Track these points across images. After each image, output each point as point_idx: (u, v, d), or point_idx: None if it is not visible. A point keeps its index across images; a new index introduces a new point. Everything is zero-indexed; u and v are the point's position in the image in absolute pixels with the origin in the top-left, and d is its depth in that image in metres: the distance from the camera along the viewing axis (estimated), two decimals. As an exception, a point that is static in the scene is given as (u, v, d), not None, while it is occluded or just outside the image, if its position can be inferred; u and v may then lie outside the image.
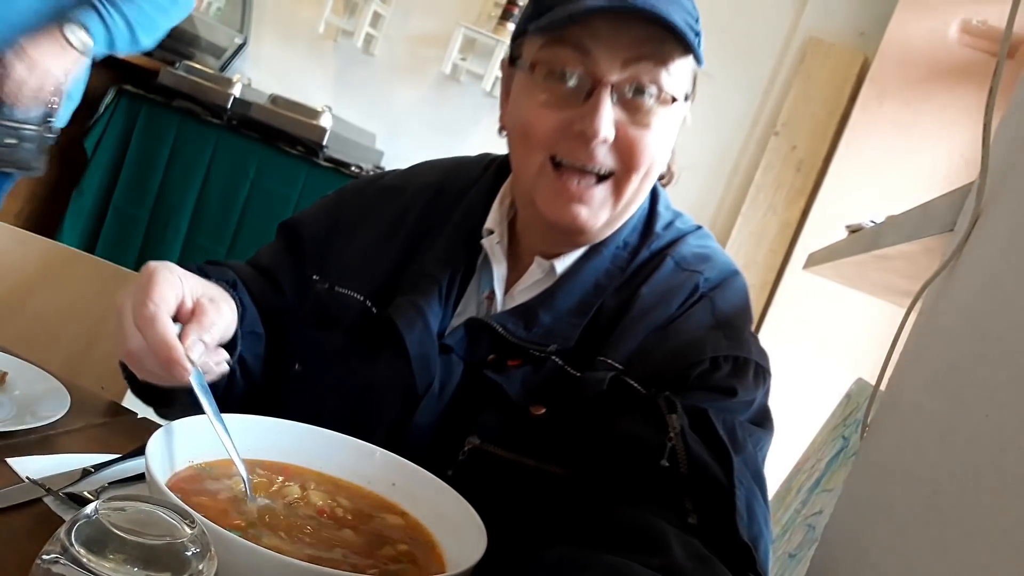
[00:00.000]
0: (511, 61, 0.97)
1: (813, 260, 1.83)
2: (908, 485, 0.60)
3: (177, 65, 3.29)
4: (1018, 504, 0.45)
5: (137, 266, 3.26)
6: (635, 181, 0.92)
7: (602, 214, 0.93)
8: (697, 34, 0.89)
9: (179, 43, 3.47)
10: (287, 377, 1.01)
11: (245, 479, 0.72)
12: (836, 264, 1.51)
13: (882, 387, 0.81)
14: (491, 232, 1.01)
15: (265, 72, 3.65)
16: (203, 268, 0.98)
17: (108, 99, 3.17)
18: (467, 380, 0.95)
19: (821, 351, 2.74)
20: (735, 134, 3.16)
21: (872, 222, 1.34)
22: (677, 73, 0.89)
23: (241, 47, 3.71)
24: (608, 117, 0.87)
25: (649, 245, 1.00)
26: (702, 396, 0.87)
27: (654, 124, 0.90)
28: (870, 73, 2.84)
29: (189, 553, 0.48)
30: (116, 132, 3.19)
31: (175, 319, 0.77)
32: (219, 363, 0.80)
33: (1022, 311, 0.52)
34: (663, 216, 1.03)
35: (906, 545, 0.57)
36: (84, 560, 0.45)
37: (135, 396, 0.97)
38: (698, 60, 0.89)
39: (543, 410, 0.90)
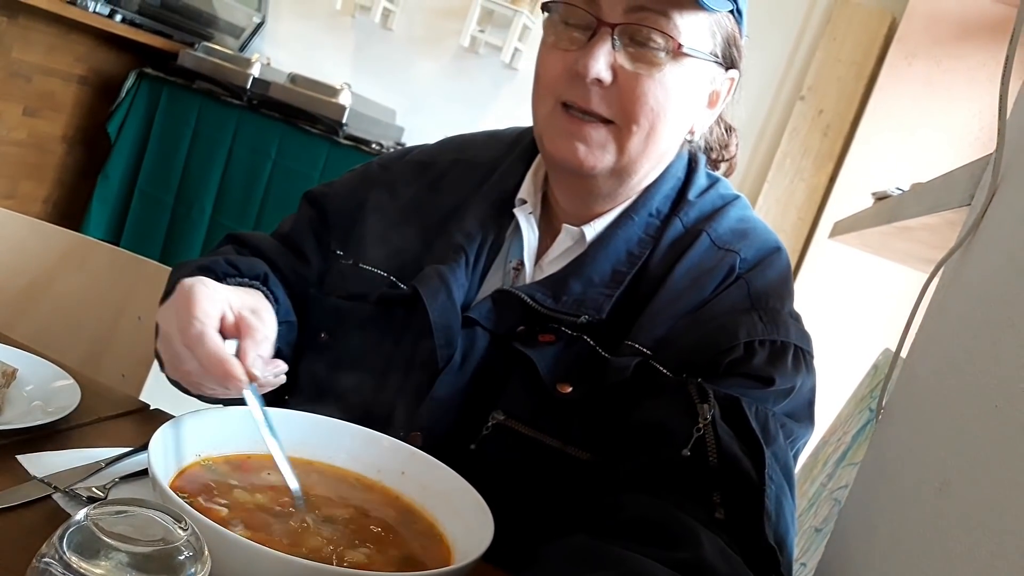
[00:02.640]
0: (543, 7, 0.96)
1: (838, 229, 1.79)
2: (919, 471, 0.58)
3: (196, 46, 3.29)
4: (1025, 501, 0.43)
5: (164, 249, 3.29)
6: (638, 134, 0.89)
7: (604, 157, 0.90)
8: None
9: (198, 24, 3.47)
10: (312, 346, 1.00)
11: (297, 494, 0.73)
12: (860, 233, 1.48)
13: (900, 363, 0.79)
14: (524, 202, 0.99)
15: (284, 51, 3.64)
16: (232, 261, 0.97)
17: (129, 83, 3.19)
18: (493, 352, 0.93)
19: (850, 320, 2.69)
20: (760, 99, 3.10)
21: (899, 189, 1.30)
22: (688, 25, 0.87)
23: (260, 26, 3.70)
24: (601, 58, 0.85)
25: (681, 214, 0.96)
26: (735, 384, 0.84)
27: (658, 74, 0.87)
28: (898, 33, 2.76)
29: (182, 557, 0.48)
30: (138, 115, 3.21)
31: (221, 334, 0.77)
32: (277, 375, 0.80)
33: (1035, 294, 0.50)
34: (698, 183, 1.00)
35: (915, 533, 0.55)
36: (75, 567, 0.45)
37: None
38: (709, 8, 0.86)
39: (570, 389, 0.88)
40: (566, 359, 0.89)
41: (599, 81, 0.86)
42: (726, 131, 1.05)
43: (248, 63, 3.20)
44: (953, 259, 0.69)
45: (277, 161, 3.10)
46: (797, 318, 0.93)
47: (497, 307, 0.93)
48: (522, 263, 0.98)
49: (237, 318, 0.79)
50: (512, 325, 0.92)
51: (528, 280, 0.97)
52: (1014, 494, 0.45)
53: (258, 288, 0.92)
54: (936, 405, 0.60)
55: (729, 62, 0.94)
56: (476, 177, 1.04)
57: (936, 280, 0.75)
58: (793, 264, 2.92)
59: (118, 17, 3.10)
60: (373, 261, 1.01)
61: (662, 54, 0.86)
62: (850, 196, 2.73)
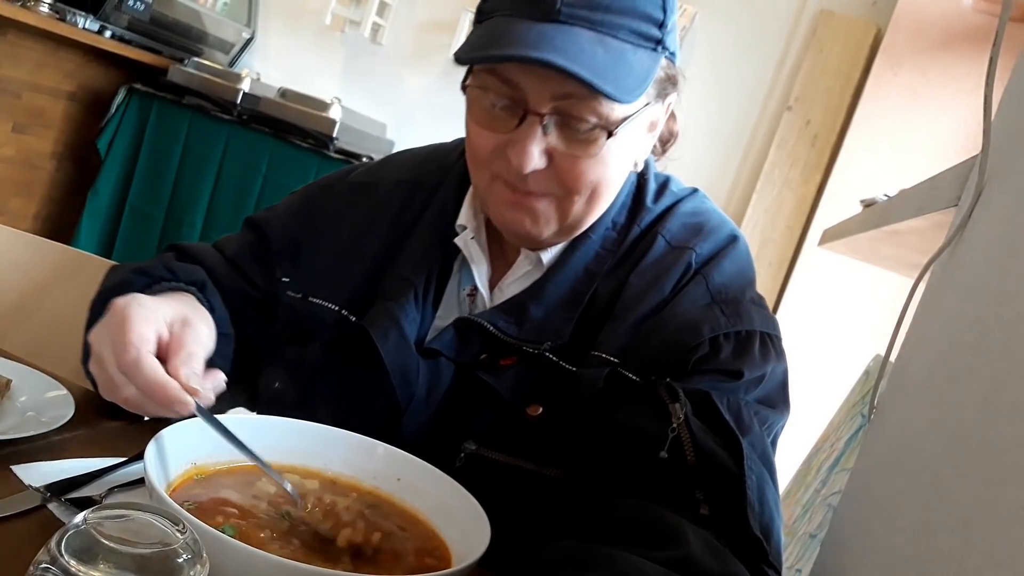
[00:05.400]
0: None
1: (827, 236, 1.80)
2: (911, 468, 0.59)
3: (186, 62, 3.30)
4: (1017, 492, 0.43)
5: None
6: (579, 202, 0.89)
7: (549, 226, 0.90)
8: (655, 40, 0.84)
9: (187, 39, 3.48)
10: (269, 396, 0.98)
11: (291, 491, 0.73)
12: (849, 240, 1.49)
13: (890, 365, 0.79)
14: (464, 228, 0.98)
15: (274, 66, 3.65)
16: (170, 267, 0.96)
17: (119, 99, 3.18)
18: (459, 381, 0.92)
19: (841, 327, 2.70)
20: (748, 110, 3.12)
21: (886, 196, 1.32)
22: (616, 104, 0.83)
23: (249, 41, 3.71)
24: (534, 149, 0.83)
25: (640, 221, 0.96)
26: (705, 380, 0.84)
27: (594, 151, 0.85)
28: (883, 43, 2.79)
29: (180, 559, 0.48)
30: (128, 131, 3.20)
31: (157, 353, 0.75)
32: (217, 388, 0.78)
33: (1022, 289, 0.50)
34: (651, 187, 0.99)
35: (909, 529, 0.56)
36: (73, 570, 0.45)
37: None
38: (623, 100, 0.81)
39: (540, 410, 0.88)
40: (531, 380, 0.89)
41: (534, 170, 0.85)
42: (661, 143, 1.02)
43: (238, 78, 3.20)
44: (942, 258, 0.70)
45: (267, 176, 3.10)
46: (760, 303, 0.93)
47: (459, 336, 0.93)
48: (476, 289, 0.97)
49: (171, 334, 0.77)
50: (475, 353, 0.92)
51: (487, 305, 0.96)
52: (1005, 483, 0.45)
53: (192, 292, 0.90)
54: (927, 401, 0.60)
55: (665, 93, 0.92)
56: (419, 200, 1.02)
57: (925, 280, 0.75)
58: (783, 274, 2.93)
59: (107, 33, 3.11)
60: (323, 294, 0.99)
61: (597, 132, 0.84)
62: (838, 205, 2.74)
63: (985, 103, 0.65)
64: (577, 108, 0.82)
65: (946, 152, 2.63)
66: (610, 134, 0.84)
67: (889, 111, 2.75)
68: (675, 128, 1.02)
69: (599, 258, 0.94)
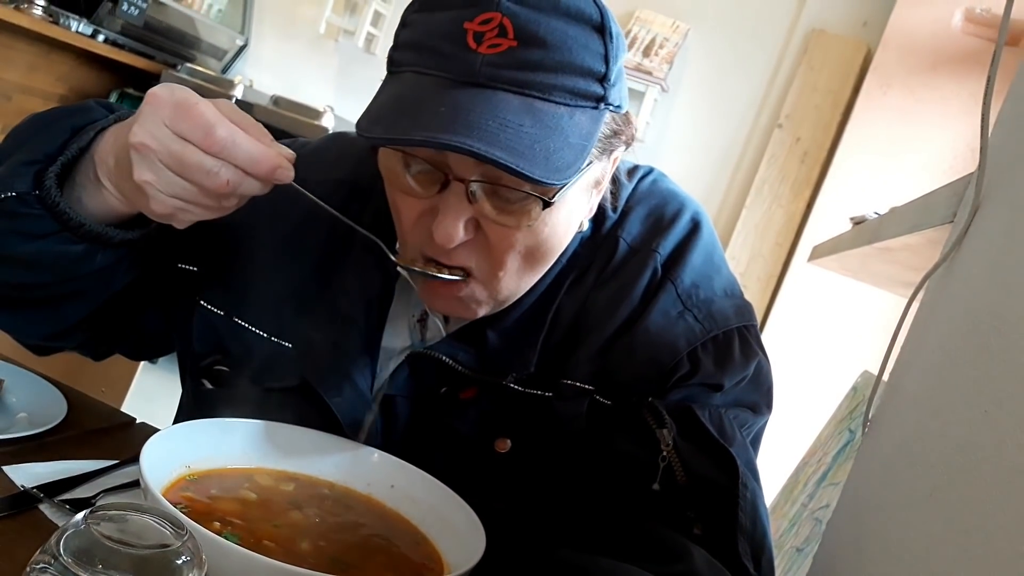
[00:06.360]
0: None
1: (817, 252, 1.82)
2: (908, 481, 0.59)
3: (179, 68, 3.30)
4: (1016, 503, 0.44)
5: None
6: (510, 276, 0.79)
7: (482, 308, 0.82)
8: (596, 98, 0.74)
9: (180, 45, 3.48)
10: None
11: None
12: (840, 256, 1.50)
13: (884, 380, 0.80)
14: None
15: (267, 73, 3.65)
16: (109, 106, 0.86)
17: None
18: (417, 420, 0.86)
19: (828, 343, 2.72)
20: (739, 127, 3.15)
21: (876, 213, 1.33)
22: None
23: (242, 48, 3.71)
24: (459, 226, 0.73)
25: (604, 230, 0.89)
26: (686, 393, 0.82)
27: (527, 222, 0.74)
28: (873, 63, 2.82)
29: (180, 561, 0.48)
30: (119, 136, 3.19)
31: None
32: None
33: (1021, 305, 0.51)
34: (607, 194, 0.89)
35: (906, 541, 0.56)
36: (73, 571, 0.45)
37: (28, 348, 0.91)
38: (553, 182, 0.69)
39: (509, 444, 0.83)
40: (496, 411, 0.84)
41: (458, 242, 0.74)
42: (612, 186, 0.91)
43: (231, 85, 3.21)
44: (938, 274, 0.70)
45: (258, 182, 3.10)
46: (731, 292, 0.89)
47: (414, 373, 0.86)
48: (427, 314, 0.89)
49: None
50: (433, 386, 0.85)
51: (441, 331, 0.88)
52: (1004, 497, 0.46)
53: None
54: (923, 416, 0.61)
55: (612, 148, 0.81)
56: (354, 209, 0.89)
57: (920, 296, 0.76)
58: (771, 289, 2.95)
59: (100, 37, 3.10)
60: (249, 316, 0.89)
61: (530, 202, 0.73)
62: (827, 222, 2.76)
63: (983, 121, 0.65)
64: (506, 178, 0.71)
65: (934, 171, 2.66)
66: (546, 204, 0.74)
67: (878, 130, 2.77)
68: (632, 131, 0.89)
69: (562, 274, 0.87)
